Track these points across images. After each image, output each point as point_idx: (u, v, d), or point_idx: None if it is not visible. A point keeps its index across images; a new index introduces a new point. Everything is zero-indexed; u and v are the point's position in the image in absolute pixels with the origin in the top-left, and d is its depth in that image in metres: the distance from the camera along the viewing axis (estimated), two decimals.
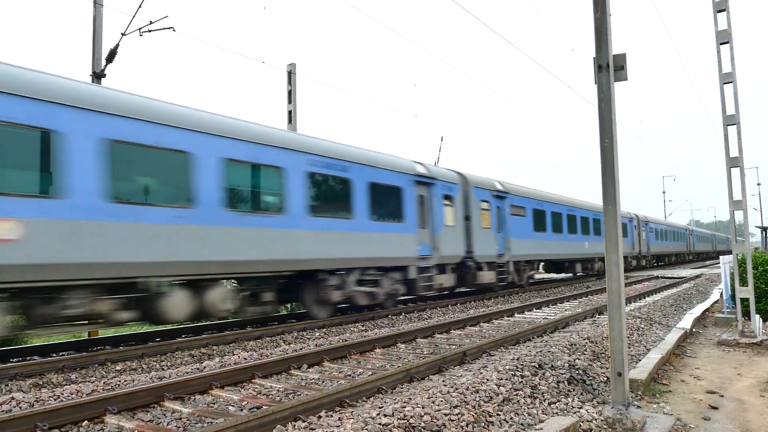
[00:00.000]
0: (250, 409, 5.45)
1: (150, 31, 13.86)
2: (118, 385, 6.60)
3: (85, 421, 5.11)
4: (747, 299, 9.60)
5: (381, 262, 13.74)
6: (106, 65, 13.43)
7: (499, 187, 20.18)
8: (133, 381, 6.76)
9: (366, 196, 13.62)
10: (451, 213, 16.86)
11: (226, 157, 10.32)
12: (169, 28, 13.76)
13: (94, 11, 13.33)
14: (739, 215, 9.43)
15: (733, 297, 10.92)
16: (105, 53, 13.48)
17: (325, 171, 12.47)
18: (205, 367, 7.55)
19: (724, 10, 9.40)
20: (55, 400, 5.95)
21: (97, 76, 13.33)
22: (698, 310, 12.86)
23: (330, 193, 12.72)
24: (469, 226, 17.70)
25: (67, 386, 6.69)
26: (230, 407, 5.61)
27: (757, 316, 9.60)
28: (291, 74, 17.53)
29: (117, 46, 13.53)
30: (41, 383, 7.18)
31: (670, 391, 6.39)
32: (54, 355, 9.19)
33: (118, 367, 8.10)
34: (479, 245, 18.03)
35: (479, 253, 17.99)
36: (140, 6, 13.51)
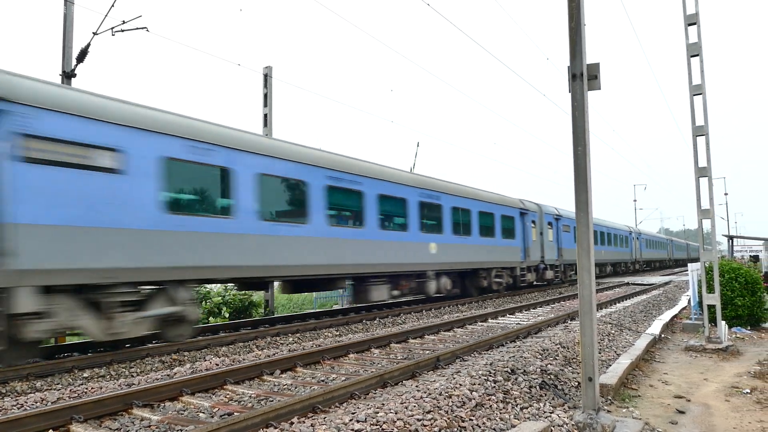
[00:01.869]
0: (221, 416, 5.38)
1: (123, 30, 13.64)
2: (85, 392, 6.45)
3: (50, 431, 4.97)
4: (713, 306, 9.83)
5: None
6: (76, 65, 13.17)
7: None
8: (101, 388, 6.61)
9: None
10: None
11: None
12: (142, 28, 13.56)
13: (64, 9, 13.06)
14: (707, 224, 9.66)
15: (700, 304, 11.17)
16: (76, 52, 13.22)
17: None
18: (175, 374, 7.42)
19: (695, 24, 9.66)
20: (18, 408, 5.79)
21: (68, 75, 13.06)
22: (667, 316, 13.12)
23: None
24: None
25: (32, 394, 6.50)
26: (201, 414, 5.52)
27: (723, 322, 9.84)
28: (267, 77, 17.42)
29: (88, 45, 13.28)
30: (4, 391, 6.95)
31: (639, 395, 6.50)
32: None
33: (85, 375, 7.90)
34: None
35: None
36: (113, 5, 13.30)
